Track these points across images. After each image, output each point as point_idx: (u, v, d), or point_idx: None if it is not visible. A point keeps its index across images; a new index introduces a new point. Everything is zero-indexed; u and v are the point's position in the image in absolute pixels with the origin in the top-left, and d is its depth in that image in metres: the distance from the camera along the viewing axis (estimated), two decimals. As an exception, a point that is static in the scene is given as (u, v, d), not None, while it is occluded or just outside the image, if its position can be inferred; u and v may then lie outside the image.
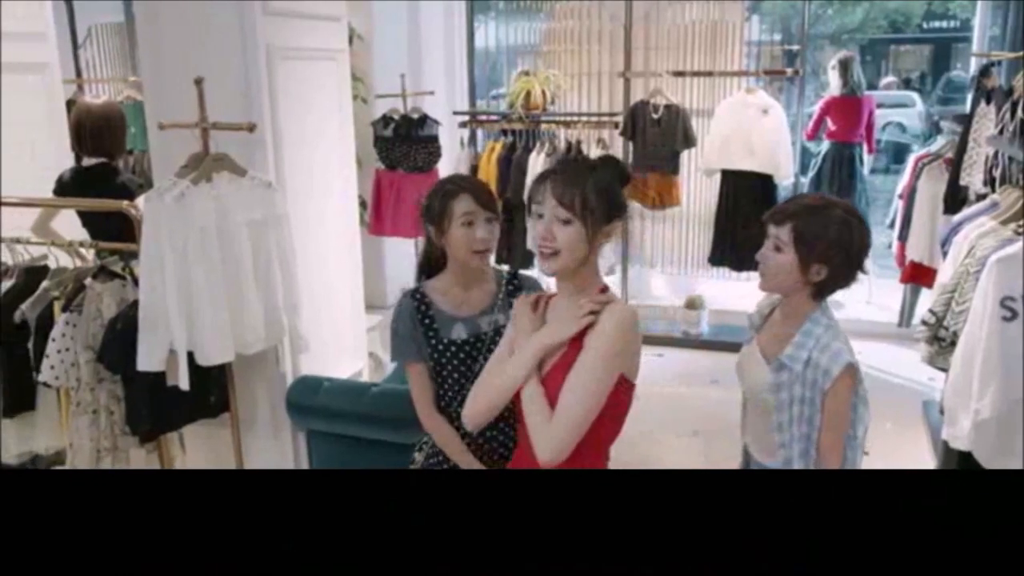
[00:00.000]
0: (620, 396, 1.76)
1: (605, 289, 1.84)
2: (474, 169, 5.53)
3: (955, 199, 3.92)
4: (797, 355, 1.94)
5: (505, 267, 5.64)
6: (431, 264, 2.28)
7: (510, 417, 2.14)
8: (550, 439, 1.70)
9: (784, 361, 1.95)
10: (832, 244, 1.90)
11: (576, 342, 1.76)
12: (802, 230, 1.90)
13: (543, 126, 5.50)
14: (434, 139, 5.31)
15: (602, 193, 1.73)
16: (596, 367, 1.71)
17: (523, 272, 2.35)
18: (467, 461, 2.16)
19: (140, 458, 2.96)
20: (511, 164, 5.34)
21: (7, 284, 2.80)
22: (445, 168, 5.58)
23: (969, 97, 4.59)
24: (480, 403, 1.89)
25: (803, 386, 1.92)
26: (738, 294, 5.69)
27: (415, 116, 5.27)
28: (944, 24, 19.07)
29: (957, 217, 3.58)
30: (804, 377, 1.92)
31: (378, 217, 5.43)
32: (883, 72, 19.67)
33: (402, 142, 5.24)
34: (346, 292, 3.54)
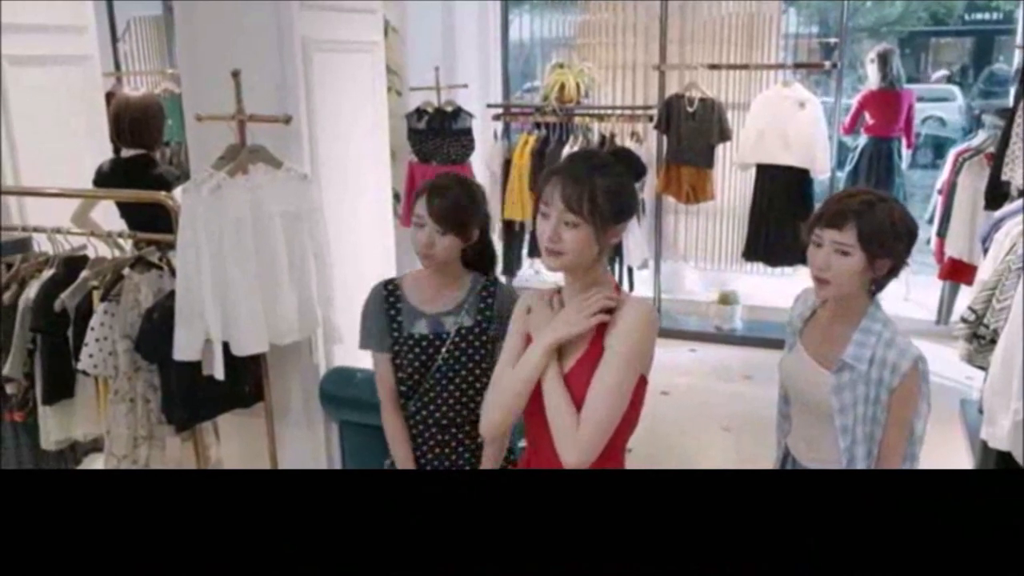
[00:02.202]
0: (637, 392, 1.73)
1: (618, 288, 1.79)
2: (507, 162, 5.54)
3: (996, 195, 3.85)
4: (861, 354, 1.89)
5: (538, 261, 5.63)
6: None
7: (464, 424, 2.21)
8: (579, 443, 1.66)
9: (848, 361, 1.90)
10: (897, 235, 1.87)
11: (596, 341, 1.72)
12: (867, 229, 1.83)
13: (577, 119, 5.48)
14: (467, 132, 5.31)
15: (612, 194, 1.67)
16: (621, 368, 1.68)
17: (504, 283, 2.28)
18: (403, 456, 2.25)
19: (175, 447, 3.00)
20: (544, 157, 5.33)
21: (47, 273, 2.84)
22: (478, 161, 5.59)
23: (1012, 91, 4.51)
24: (496, 412, 1.82)
25: (867, 385, 1.88)
26: (772, 289, 5.64)
27: (449, 109, 5.27)
28: (986, 16, 18.70)
29: (998, 213, 3.53)
30: (869, 376, 1.88)
31: (411, 210, 5.43)
32: (923, 65, 19.34)
33: (436, 135, 5.25)
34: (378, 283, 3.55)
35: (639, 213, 5.33)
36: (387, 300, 2.24)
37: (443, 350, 2.17)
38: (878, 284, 1.94)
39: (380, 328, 2.23)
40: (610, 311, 1.72)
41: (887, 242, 1.85)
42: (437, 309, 2.21)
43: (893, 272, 1.93)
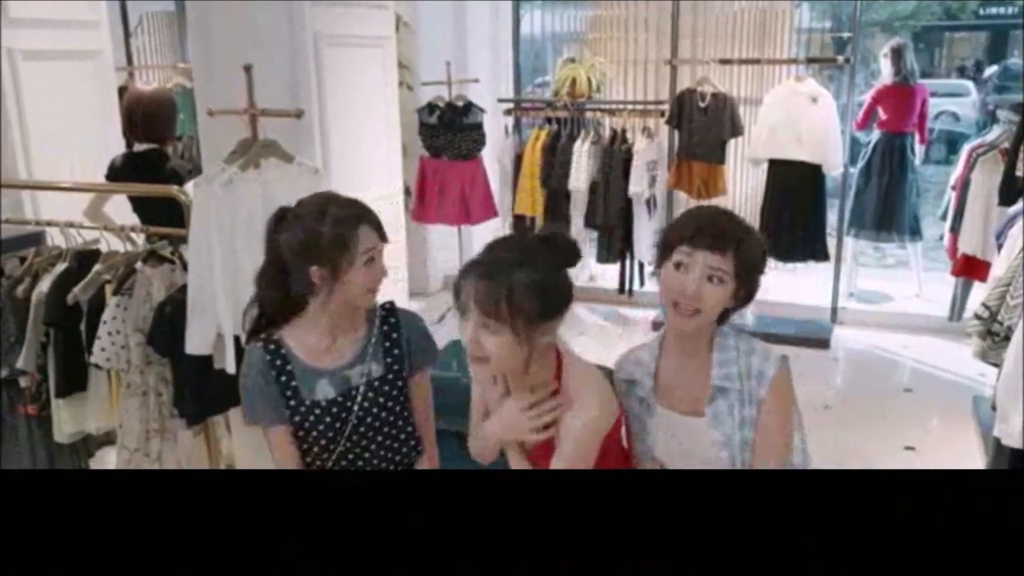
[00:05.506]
0: (610, 440, 1.69)
1: (559, 370, 1.65)
2: (518, 157, 5.54)
3: (1011, 191, 3.83)
4: (729, 372, 1.69)
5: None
6: (284, 308, 1.87)
7: None
8: None
9: (721, 384, 1.68)
10: (762, 267, 1.70)
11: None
12: (748, 256, 1.64)
13: (588, 114, 5.48)
14: (478, 127, 5.31)
15: (537, 289, 1.49)
16: (576, 454, 1.61)
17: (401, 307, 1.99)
18: None
19: (187, 440, 3.01)
20: (555, 152, 5.33)
21: (60, 267, 2.85)
22: (489, 156, 5.59)
23: (1027, 86, 4.47)
24: (481, 453, 1.80)
25: (742, 404, 1.68)
26: (783, 285, 5.62)
27: (460, 104, 5.27)
28: (1001, 11, 18.58)
29: (1012, 209, 3.51)
30: (743, 394, 1.68)
31: (422, 205, 5.45)
32: (936, 60, 19.25)
33: (447, 130, 5.25)
34: (390, 279, 3.56)
35: (651, 208, 5.32)
36: (272, 364, 1.83)
37: (355, 408, 1.85)
38: (723, 317, 1.73)
39: (269, 400, 1.83)
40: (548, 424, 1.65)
41: (756, 271, 1.69)
42: (338, 363, 1.87)
43: (744, 304, 1.73)
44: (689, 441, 1.73)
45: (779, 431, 1.69)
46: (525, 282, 1.48)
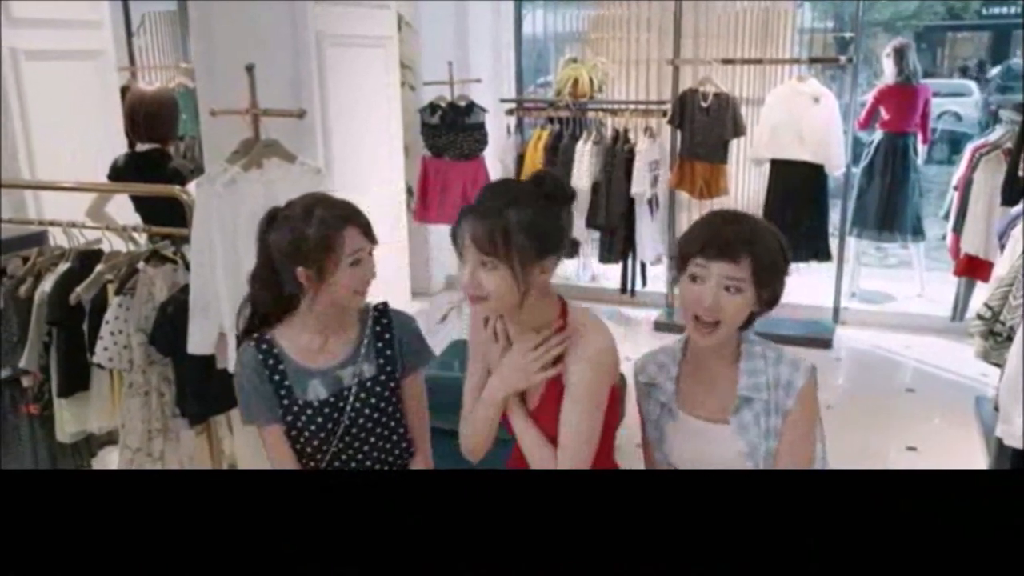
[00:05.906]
0: (612, 397, 1.68)
1: (564, 312, 1.66)
2: (520, 157, 5.54)
3: (1013, 190, 3.82)
4: (756, 383, 1.65)
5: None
6: (277, 308, 1.89)
7: None
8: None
9: (748, 394, 1.65)
10: (784, 266, 1.67)
11: (555, 376, 1.65)
12: (765, 259, 1.60)
13: (590, 114, 5.48)
14: (480, 127, 5.30)
15: (531, 226, 1.52)
16: (585, 408, 1.61)
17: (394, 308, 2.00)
18: None
19: (189, 439, 3.01)
20: (557, 152, 5.34)
21: (63, 267, 2.86)
22: (491, 156, 5.59)
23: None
24: (471, 442, 1.75)
25: (768, 414, 1.65)
26: (786, 285, 5.61)
27: (462, 104, 5.27)
28: (1004, 10, 18.56)
29: (1015, 209, 3.51)
30: (769, 404, 1.65)
31: (424, 204, 5.44)
32: (938, 60, 19.23)
33: (449, 130, 5.25)
34: (392, 278, 3.57)
35: (653, 208, 5.32)
36: (264, 364, 1.84)
37: (347, 409, 1.85)
38: (749, 322, 1.69)
39: (263, 400, 1.84)
40: (554, 360, 1.63)
41: (779, 274, 1.65)
42: (330, 363, 1.88)
43: (770, 307, 1.68)
44: (710, 448, 1.71)
45: (803, 442, 1.68)
46: (520, 219, 1.52)
